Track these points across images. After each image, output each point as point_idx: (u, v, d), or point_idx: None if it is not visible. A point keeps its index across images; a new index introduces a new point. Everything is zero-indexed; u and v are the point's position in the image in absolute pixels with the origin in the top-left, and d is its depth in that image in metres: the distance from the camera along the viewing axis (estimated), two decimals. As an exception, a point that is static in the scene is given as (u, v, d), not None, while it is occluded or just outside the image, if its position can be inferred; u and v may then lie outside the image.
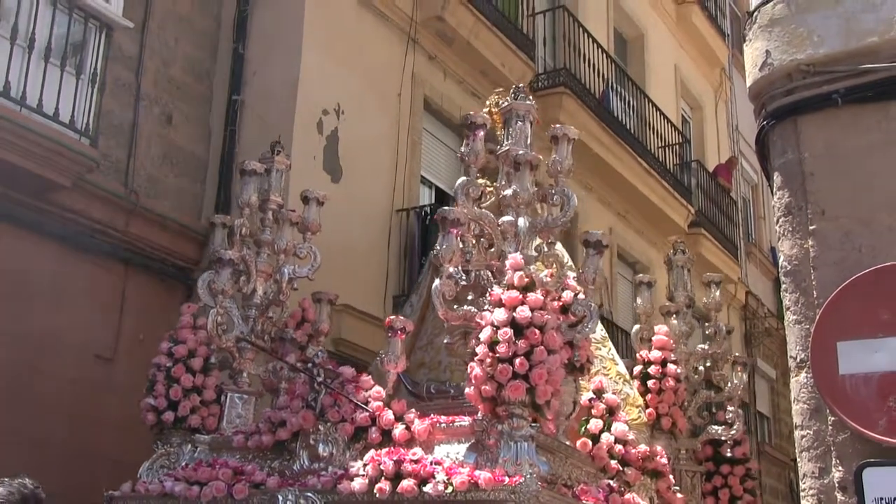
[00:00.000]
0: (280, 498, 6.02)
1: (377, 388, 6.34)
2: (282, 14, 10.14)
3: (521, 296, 5.89)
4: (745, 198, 20.79)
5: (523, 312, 5.80)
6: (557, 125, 6.71)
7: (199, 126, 9.91)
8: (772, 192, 4.40)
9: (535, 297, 5.90)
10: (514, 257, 6.16)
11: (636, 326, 8.21)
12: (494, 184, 6.93)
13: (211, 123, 10.00)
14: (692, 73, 19.00)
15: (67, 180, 8.08)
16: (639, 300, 8.26)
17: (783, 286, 4.19)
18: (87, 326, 8.31)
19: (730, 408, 8.25)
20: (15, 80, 7.70)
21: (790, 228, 4.18)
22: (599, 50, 14.46)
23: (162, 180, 9.41)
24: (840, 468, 3.89)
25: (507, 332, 5.74)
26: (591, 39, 14.24)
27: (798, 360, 4.09)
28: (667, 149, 15.86)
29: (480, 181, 6.94)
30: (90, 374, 8.28)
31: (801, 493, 4.00)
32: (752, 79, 4.41)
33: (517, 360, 5.67)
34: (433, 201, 11.25)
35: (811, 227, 4.12)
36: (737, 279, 18.33)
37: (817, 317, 4.01)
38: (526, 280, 5.98)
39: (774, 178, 4.30)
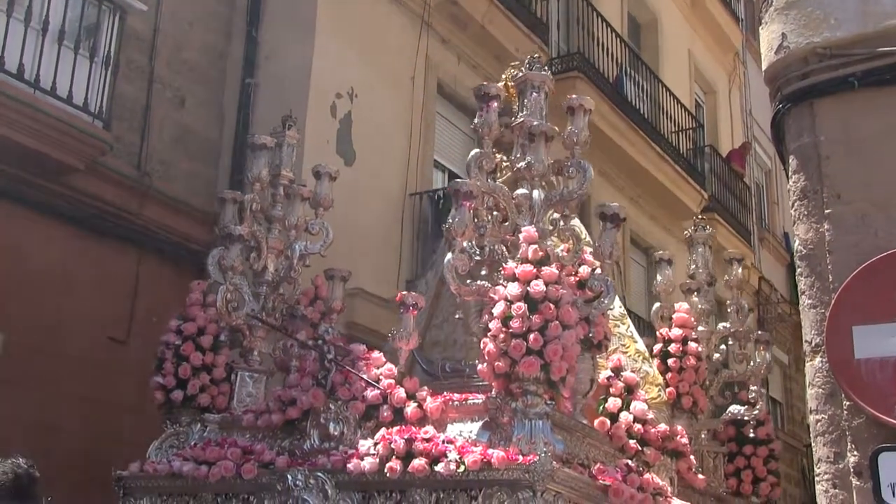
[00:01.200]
0: (289, 477, 5.78)
1: (388, 365, 6.07)
2: (295, -3, 9.95)
3: (535, 269, 5.63)
4: (759, 183, 20.44)
5: (537, 286, 5.53)
6: (573, 96, 6.40)
7: (212, 109, 9.78)
8: (787, 176, 4.30)
9: (550, 270, 5.63)
10: (528, 230, 5.88)
11: (656, 304, 7.88)
12: (510, 158, 6.63)
13: (224, 107, 9.87)
14: (706, 58, 18.67)
15: (81, 163, 7.99)
16: (658, 277, 7.93)
17: (798, 270, 4.09)
18: (101, 309, 8.22)
19: (752, 387, 7.94)
20: (29, 63, 7.62)
21: (805, 212, 4.07)
22: (613, 34, 14.23)
23: (175, 163, 9.29)
24: (855, 453, 3.78)
25: (520, 307, 5.48)
26: (604, 23, 14.01)
27: (813, 344, 3.98)
28: (680, 133, 15.59)
29: (496, 156, 6.66)
30: (104, 356, 8.17)
31: (816, 478, 3.89)
32: (767, 62, 4.30)
33: (531, 336, 5.41)
34: (446, 185, 10.98)
35: (827, 211, 4.01)
36: (750, 264, 17.97)
37: (832, 301, 3.90)
38: (540, 253, 5.71)
39: (790, 161, 4.19)
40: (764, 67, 4.32)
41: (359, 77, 10.09)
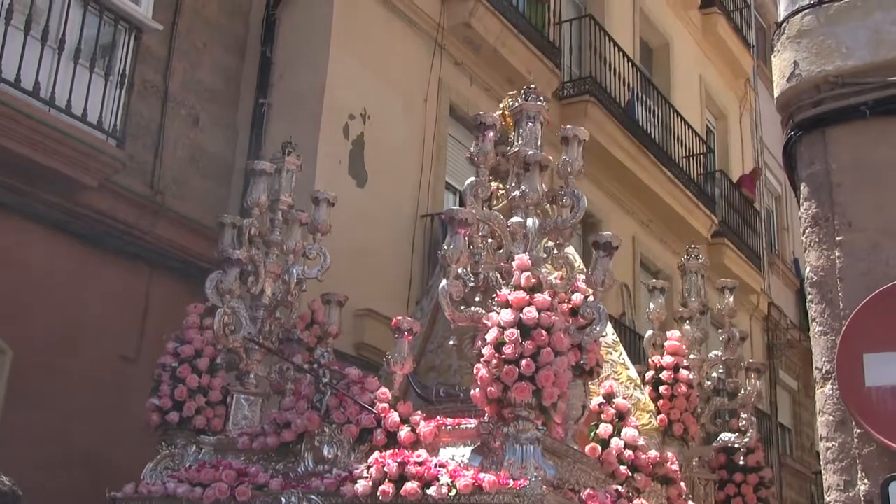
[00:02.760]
0: (283, 500, 5.79)
1: (383, 389, 6.08)
2: (310, 18, 10.00)
3: (528, 296, 5.64)
4: (769, 209, 20.33)
5: (530, 313, 5.54)
6: (568, 126, 6.42)
7: (225, 129, 9.76)
8: (798, 202, 4.31)
9: (543, 297, 5.64)
10: (522, 258, 5.90)
11: (649, 332, 7.88)
12: (506, 186, 6.64)
13: (237, 126, 9.84)
14: (717, 84, 18.63)
15: (94, 181, 7.95)
16: (651, 306, 7.93)
17: (809, 297, 4.07)
18: (112, 327, 8.16)
19: (743, 415, 7.90)
20: (45, 81, 7.59)
21: (817, 239, 4.07)
22: (625, 59, 14.21)
23: (188, 182, 9.26)
24: (866, 481, 3.76)
25: (513, 333, 5.49)
26: (616, 48, 14.00)
27: (824, 371, 3.96)
28: (691, 158, 15.56)
29: (493, 183, 6.69)
30: (115, 374, 8.14)
31: None
32: (779, 89, 4.31)
33: (523, 362, 5.42)
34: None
35: (838, 239, 4.01)
36: (759, 290, 17.89)
37: (843, 328, 3.88)
38: (533, 281, 5.72)
39: (801, 188, 4.20)
40: (776, 95, 4.33)
41: (372, 98, 10.08)
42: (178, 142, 9.20)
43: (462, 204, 10.74)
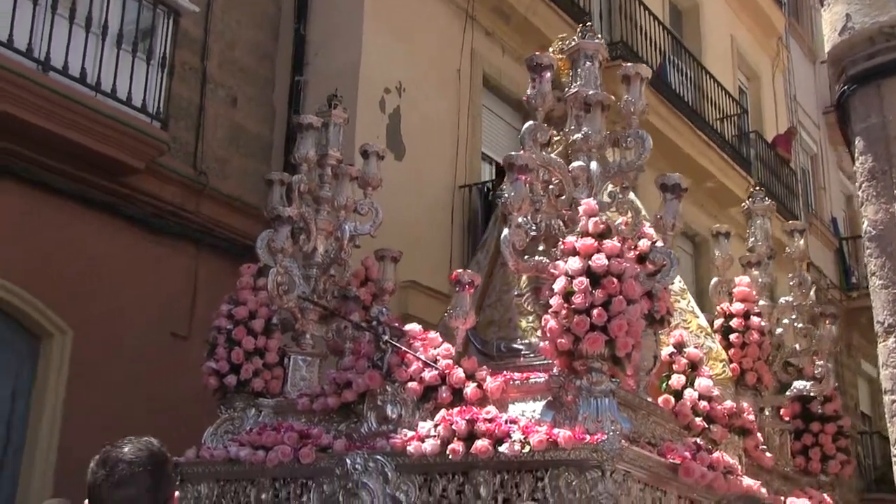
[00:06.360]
0: (348, 461, 5.33)
1: (446, 345, 5.59)
2: (342, -6, 9.68)
3: (596, 243, 5.12)
4: (805, 168, 19.60)
5: (599, 260, 5.03)
6: (628, 64, 5.88)
7: (263, 107, 9.58)
8: (852, 157, 3.95)
9: (612, 244, 5.13)
10: (588, 203, 5.37)
11: (714, 279, 7.31)
12: (562, 130, 6.13)
13: (275, 104, 9.62)
14: (748, 43, 17.89)
15: (141, 163, 7.86)
16: (716, 252, 7.35)
17: (867, 251, 3.73)
18: (163, 306, 8.12)
19: (819, 362, 7.30)
20: (90, 67, 7.49)
21: (874, 193, 3.75)
22: (655, 22, 13.69)
23: (229, 162, 9.10)
24: None
25: (582, 282, 4.98)
26: (646, 12, 13.48)
27: (886, 325, 3.61)
28: (725, 120, 14.97)
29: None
30: (167, 352, 8.00)
31: (893, 458, 3.52)
32: (831, 44, 3.94)
33: (594, 311, 4.91)
34: (494, 177, 10.64)
35: None
36: (797, 250, 17.22)
37: None
38: (601, 226, 5.20)
39: (856, 142, 3.85)
40: (827, 49, 3.97)
41: (406, 72, 9.76)
42: (217, 122, 9.05)
43: (500, 173, 10.37)
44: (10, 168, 7.21)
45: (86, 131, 7.33)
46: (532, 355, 5.91)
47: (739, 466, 5.85)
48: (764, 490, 5.88)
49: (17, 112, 6.91)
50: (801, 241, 7.49)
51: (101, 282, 7.66)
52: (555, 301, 5.04)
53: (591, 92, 5.67)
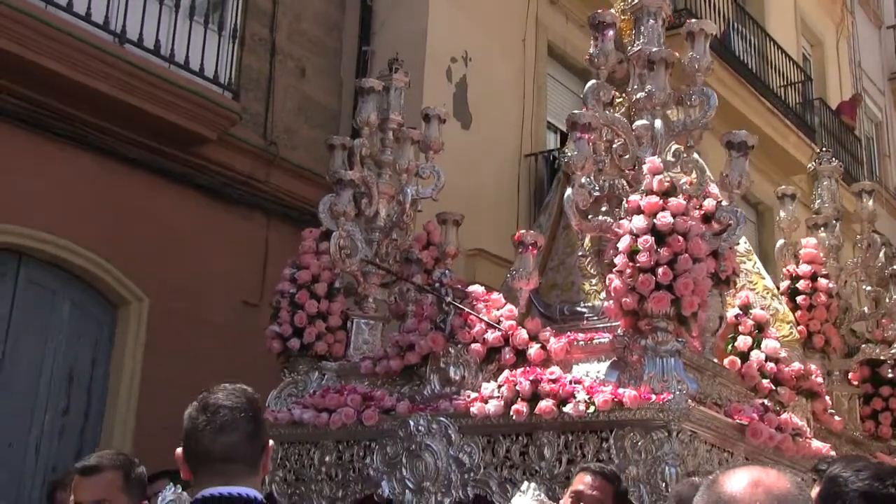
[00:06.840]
0: (412, 423, 5.31)
1: (509, 306, 5.52)
2: (407, -36, 9.64)
3: (661, 201, 5.01)
4: (869, 136, 19.08)
5: (665, 218, 4.93)
6: (692, 20, 5.73)
7: (330, 78, 9.62)
8: None
9: (678, 201, 5.02)
10: (653, 161, 5.26)
11: (780, 241, 7.14)
12: (625, 92, 6.00)
13: (342, 75, 9.64)
14: (812, 10, 17.44)
15: (213, 133, 7.93)
16: (782, 213, 7.18)
17: None
18: (234, 274, 8.19)
19: (890, 325, 7.10)
20: (164, 39, 7.58)
21: None
22: (719, -12, 13.30)
23: (298, 132, 9.15)
24: None
25: (647, 240, 4.89)
26: (710, -23, 13.09)
27: None
28: (789, 87, 14.58)
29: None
30: (240, 319, 8.06)
31: None
32: None
33: (660, 270, 4.82)
34: (559, 146, 10.56)
35: None
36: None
37: None
38: (666, 184, 5.08)
39: None
40: None
41: (472, 41, 9.71)
42: (286, 93, 9.09)
43: (565, 142, 10.26)
44: (88, 139, 7.29)
45: (160, 102, 7.43)
46: (595, 318, 5.83)
47: (808, 429, 5.73)
48: (833, 454, 5.75)
49: (93, 84, 6.98)
50: (870, 202, 7.28)
51: (175, 250, 7.75)
52: (619, 260, 4.95)
53: (654, 49, 5.54)
